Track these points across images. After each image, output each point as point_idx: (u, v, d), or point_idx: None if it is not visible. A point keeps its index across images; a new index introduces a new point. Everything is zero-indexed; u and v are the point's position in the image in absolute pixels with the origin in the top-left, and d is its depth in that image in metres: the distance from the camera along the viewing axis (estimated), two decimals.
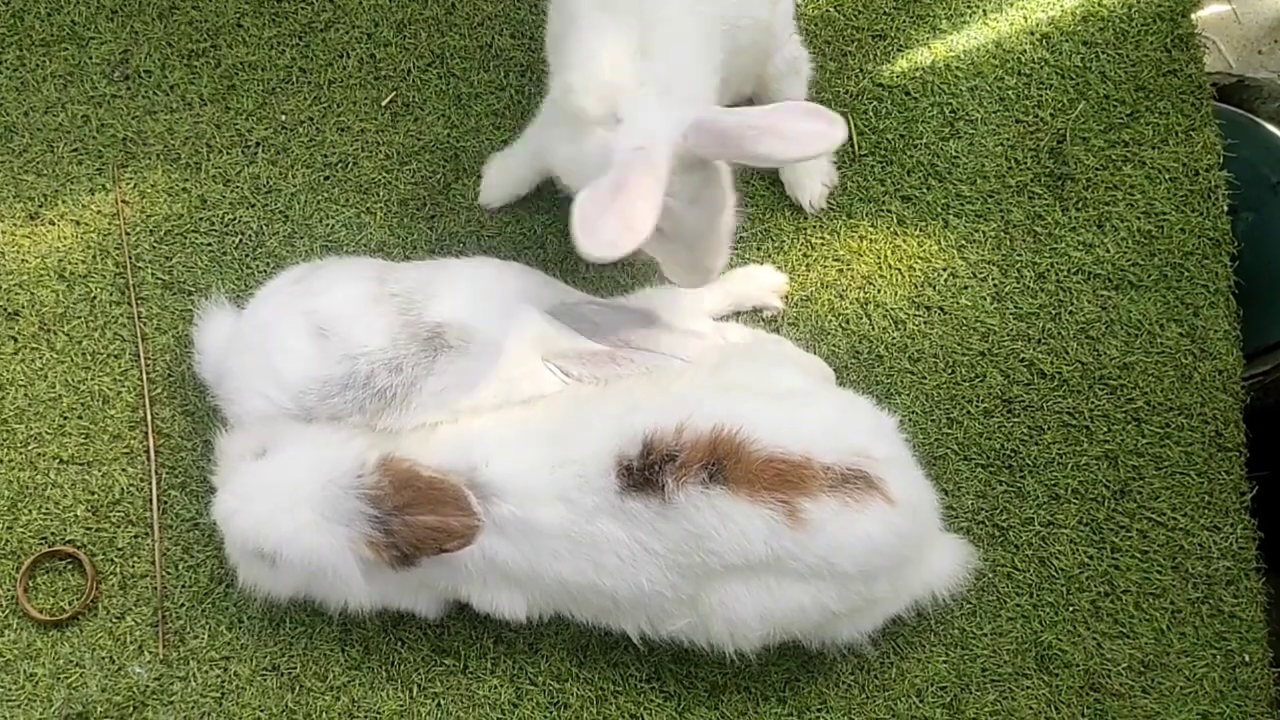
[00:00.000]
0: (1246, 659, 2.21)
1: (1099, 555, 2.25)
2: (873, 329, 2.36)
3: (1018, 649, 2.21)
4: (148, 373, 2.33)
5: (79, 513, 2.27)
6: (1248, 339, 2.38)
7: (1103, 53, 2.48)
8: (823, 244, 2.39)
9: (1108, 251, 2.38)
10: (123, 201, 2.42)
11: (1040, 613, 2.23)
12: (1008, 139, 2.44)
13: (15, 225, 2.41)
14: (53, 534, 2.26)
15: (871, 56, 2.48)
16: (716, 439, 1.83)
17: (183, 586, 2.24)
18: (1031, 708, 2.19)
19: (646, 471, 1.84)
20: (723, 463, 1.82)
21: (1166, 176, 2.42)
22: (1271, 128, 2.56)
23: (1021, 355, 2.34)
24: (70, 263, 2.39)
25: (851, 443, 1.88)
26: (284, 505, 1.90)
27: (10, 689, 2.19)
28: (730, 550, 1.83)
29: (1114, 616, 2.23)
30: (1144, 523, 2.27)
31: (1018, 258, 2.38)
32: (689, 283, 1.97)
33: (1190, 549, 2.25)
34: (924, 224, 2.40)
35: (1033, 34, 2.50)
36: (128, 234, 2.40)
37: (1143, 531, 2.26)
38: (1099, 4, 2.51)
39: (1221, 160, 2.43)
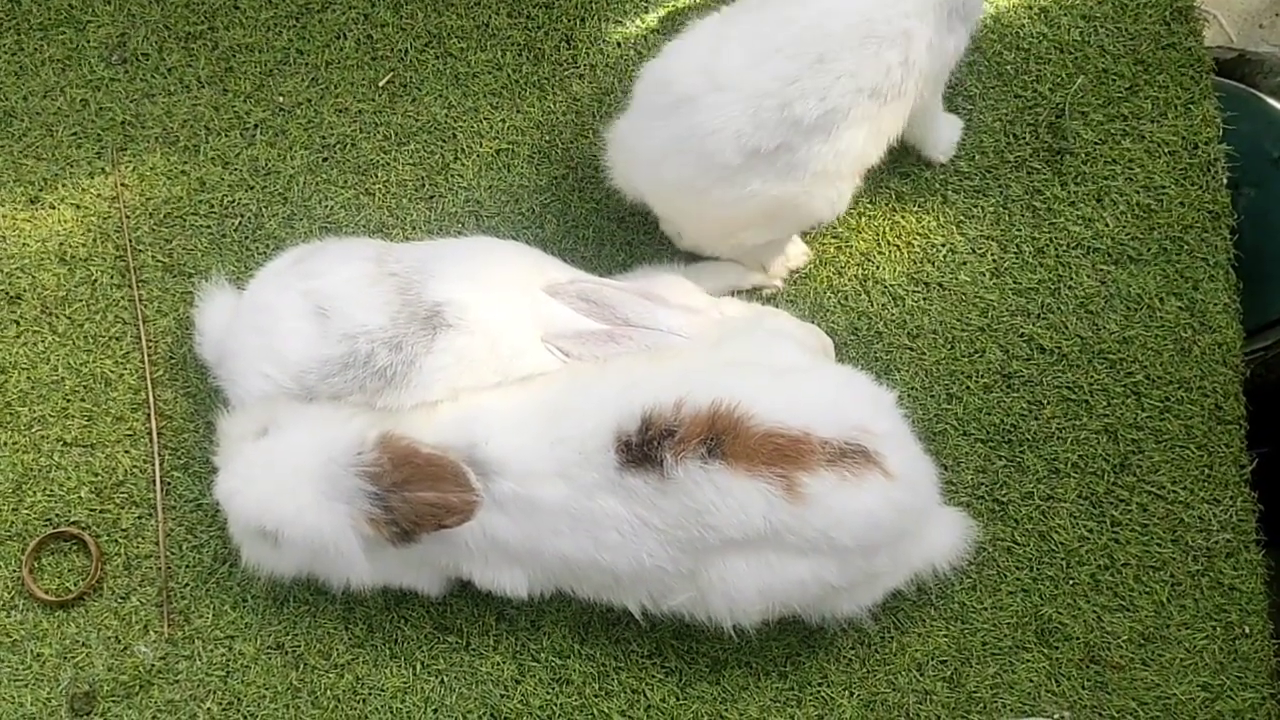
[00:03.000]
0: (1246, 631, 2.22)
1: (1099, 529, 2.26)
2: (871, 305, 2.36)
3: (1018, 622, 2.22)
4: (149, 355, 2.34)
5: (83, 494, 2.28)
6: (1249, 315, 2.38)
7: (1101, 26, 2.47)
8: None
9: (1107, 226, 2.38)
10: (122, 185, 2.43)
11: (1040, 586, 2.23)
12: (1006, 114, 2.43)
13: (16, 209, 2.42)
14: (57, 516, 2.28)
15: None
16: (715, 414, 1.84)
17: (187, 566, 2.25)
18: (1032, 680, 2.20)
19: (645, 447, 1.85)
20: (721, 438, 1.83)
21: (1166, 150, 2.42)
22: (1273, 102, 2.55)
23: (1021, 330, 2.34)
24: (71, 246, 2.40)
25: (850, 417, 1.89)
26: (285, 484, 1.91)
27: (18, 669, 2.20)
28: (729, 525, 1.84)
29: (1114, 589, 2.23)
30: (1144, 496, 2.27)
31: (1017, 233, 2.38)
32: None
33: (1190, 522, 2.26)
34: (922, 200, 2.40)
35: (1031, 8, 2.49)
36: (127, 217, 2.41)
37: (1142, 505, 2.27)
38: None
39: (1221, 134, 2.42)
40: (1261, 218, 2.46)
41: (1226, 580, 2.23)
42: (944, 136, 2.35)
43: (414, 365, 1.98)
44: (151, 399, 2.32)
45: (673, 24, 2.49)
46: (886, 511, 1.87)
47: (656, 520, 1.87)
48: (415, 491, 1.86)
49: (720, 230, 2.17)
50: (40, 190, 2.43)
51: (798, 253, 2.32)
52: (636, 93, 2.11)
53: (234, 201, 2.42)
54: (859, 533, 1.86)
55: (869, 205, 2.39)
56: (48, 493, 2.28)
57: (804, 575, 1.90)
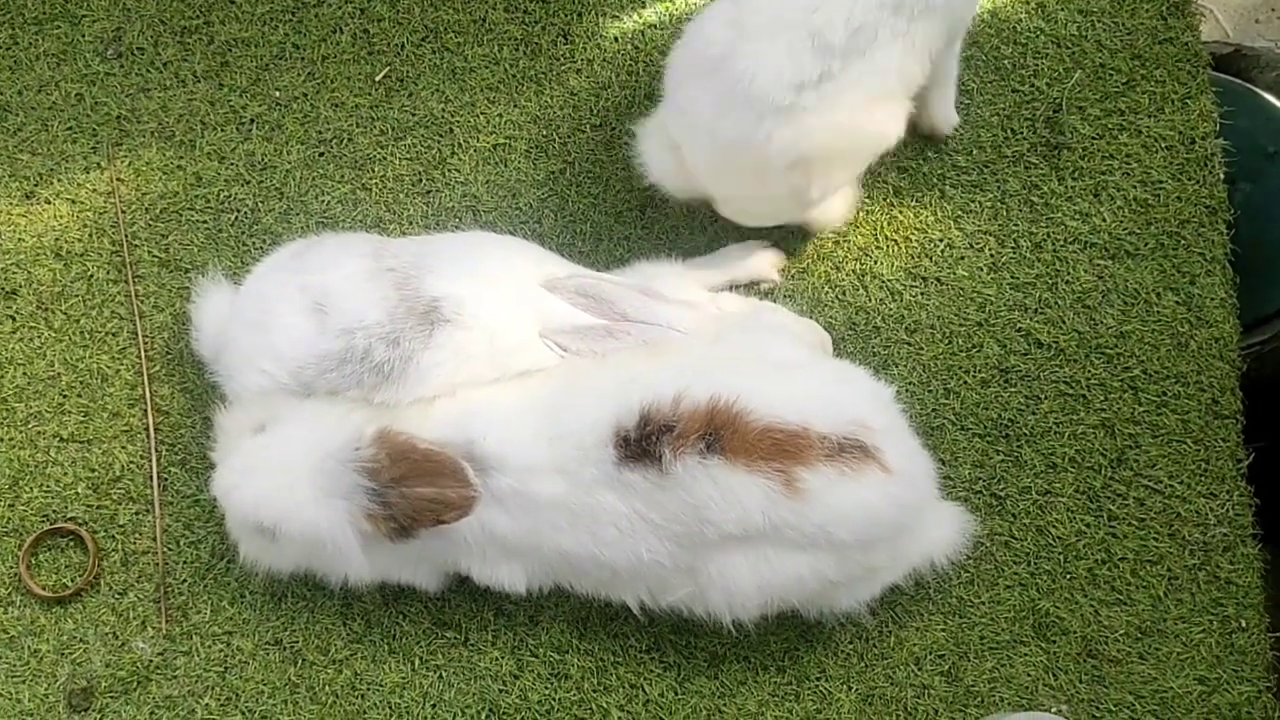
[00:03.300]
0: (1243, 625, 2.22)
1: (1096, 523, 2.26)
2: (869, 300, 2.36)
3: (1015, 617, 2.22)
4: (146, 350, 2.34)
5: (80, 490, 2.27)
6: (1245, 309, 2.38)
7: (1099, 21, 2.47)
8: None
9: (1104, 220, 2.38)
10: (118, 179, 2.42)
11: (1038, 581, 2.24)
12: (1004, 109, 2.43)
13: (11, 205, 2.41)
14: (54, 512, 2.27)
15: None
16: (714, 409, 1.84)
17: (184, 562, 2.25)
18: (1029, 675, 2.20)
19: (644, 443, 1.84)
20: (720, 433, 1.82)
21: (1163, 145, 2.42)
22: (1269, 97, 2.55)
23: (1018, 325, 2.34)
24: (67, 241, 2.39)
25: (848, 412, 1.89)
26: (283, 480, 1.91)
27: (15, 665, 2.20)
28: (728, 520, 1.84)
29: (1111, 584, 2.24)
30: (1141, 490, 2.27)
31: (1014, 228, 2.38)
32: None
33: (1187, 516, 2.26)
34: (920, 195, 2.40)
35: (1028, 2, 2.48)
36: (123, 212, 2.40)
37: (1140, 499, 2.27)
38: None
39: (1218, 128, 2.42)
40: (1257, 212, 2.46)
41: (1223, 574, 2.24)
42: (951, 105, 2.35)
43: (411, 361, 1.97)
44: (148, 394, 2.31)
45: (671, 19, 2.49)
46: (885, 507, 1.87)
47: (655, 516, 1.87)
48: (413, 487, 1.86)
49: (793, 186, 2.13)
50: (35, 185, 2.42)
51: (849, 201, 2.32)
52: (671, 75, 2.12)
53: (230, 196, 2.41)
54: (857, 528, 1.87)
55: (866, 200, 2.38)
56: (44, 489, 2.28)
57: (802, 571, 1.90)
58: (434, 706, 2.17)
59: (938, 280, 2.36)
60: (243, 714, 2.17)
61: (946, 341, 2.34)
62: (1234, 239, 2.39)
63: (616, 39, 2.49)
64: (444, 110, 2.46)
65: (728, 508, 1.83)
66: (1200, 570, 2.24)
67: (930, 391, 2.31)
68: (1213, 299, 2.35)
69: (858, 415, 1.89)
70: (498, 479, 1.91)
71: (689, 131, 2.10)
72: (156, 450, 2.29)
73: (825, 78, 1.94)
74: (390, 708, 2.17)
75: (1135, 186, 2.40)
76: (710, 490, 1.83)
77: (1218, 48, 2.71)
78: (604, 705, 2.17)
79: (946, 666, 2.20)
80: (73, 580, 2.25)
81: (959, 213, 2.39)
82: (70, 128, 2.45)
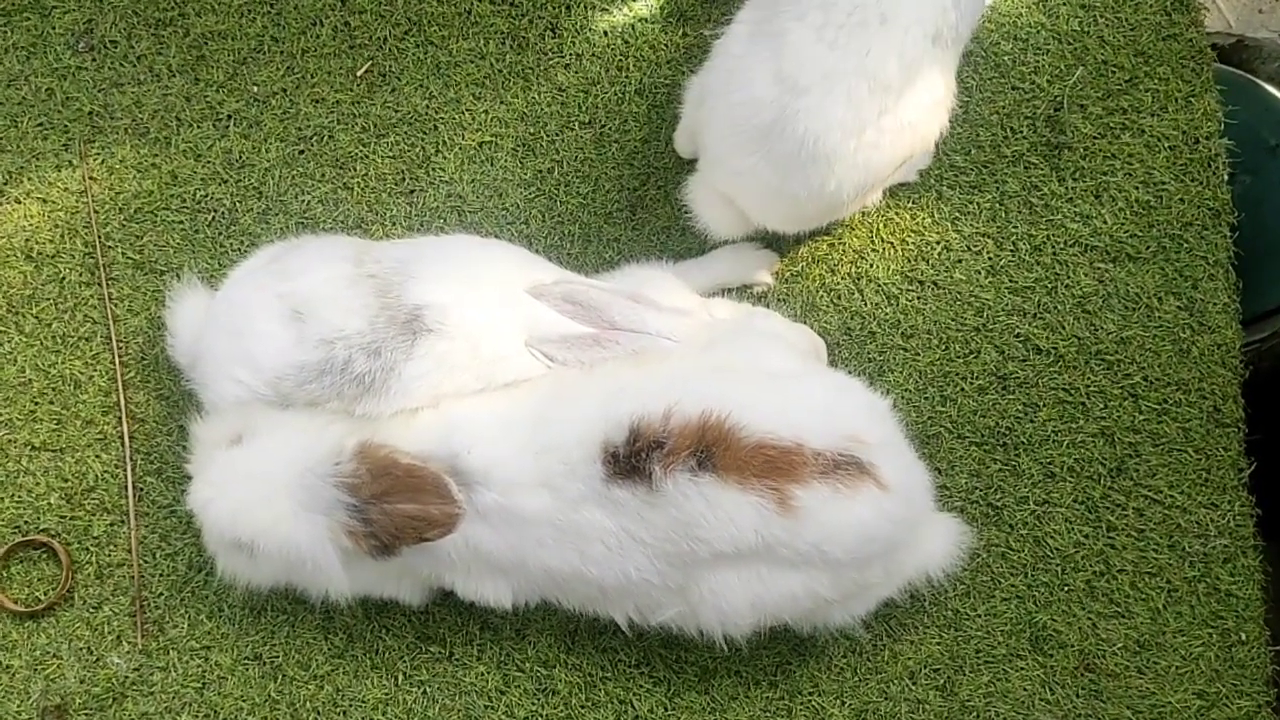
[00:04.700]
0: (1243, 638, 2.19)
1: (1095, 534, 2.22)
2: (865, 304, 2.30)
3: (1012, 630, 2.18)
4: (120, 356, 2.27)
5: (52, 501, 2.21)
6: (1244, 305, 2.34)
7: (1101, 16, 2.41)
8: None
9: (1105, 223, 2.33)
10: (90, 178, 2.35)
11: (1035, 593, 2.20)
12: (1003, 107, 2.37)
13: None
14: (26, 523, 2.21)
15: None
16: (705, 425, 1.79)
17: (160, 575, 2.19)
18: (1026, 689, 2.16)
19: (633, 459, 1.80)
20: (711, 449, 1.77)
21: (1166, 145, 2.36)
22: (1271, 89, 2.51)
23: (1017, 330, 2.29)
24: (38, 242, 2.32)
25: (843, 427, 1.84)
26: (260, 495, 1.86)
27: None
28: (720, 539, 1.79)
29: (1109, 596, 2.20)
30: (1140, 500, 2.23)
31: (1013, 230, 2.33)
32: None
33: (1187, 527, 2.22)
34: (917, 196, 2.34)
35: None
36: (96, 212, 2.33)
37: (1139, 509, 2.23)
38: None
39: (1222, 128, 2.37)
40: (1256, 206, 2.41)
41: (1223, 587, 2.20)
42: None
43: (393, 372, 1.91)
44: (123, 402, 2.25)
45: (661, 13, 2.42)
46: (880, 524, 1.83)
47: (644, 533, 1.82)
48: (395, 503, 1.81)
49: (864, 196, 2.15)
50: (4, 184, 2.34)
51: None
52: (716, 138, 2.06)
53: (207, 196, 2.34)
54: (852, 546, 1.82)
55: None
56: (16, 499, 2.22)
57: (796, 588, 1.86)
58: None
59: (934, 284, 2.31)
60: None
61: (943, 347, 2.28)
62: (1233, 234, 2.34)
63: (606, 33, 2.41)
64: (428, 107, 2.38)
65: (720, 526, 1.78)
66: (1200, 582, 2.20)
67: (926, 399, 2.26)
68: (1215, 304, 2.30)
69: (853, 429, 1.84)
70: (482, 494, 1.86)
71: (750, 193, 2.08)
72: (131, 459, 2.22)
73: (883, 113, 1.92)
74: None
75: (1137, 188, 2.35)
76: (702, 508, 1.78)
77: (1220, 39, 2.66)
78: None
79: (941, 681, 2.16)
80: (45, 594, 2.19)
81: (956, 214, 2.33)
82: (40, 124, 2.37)
